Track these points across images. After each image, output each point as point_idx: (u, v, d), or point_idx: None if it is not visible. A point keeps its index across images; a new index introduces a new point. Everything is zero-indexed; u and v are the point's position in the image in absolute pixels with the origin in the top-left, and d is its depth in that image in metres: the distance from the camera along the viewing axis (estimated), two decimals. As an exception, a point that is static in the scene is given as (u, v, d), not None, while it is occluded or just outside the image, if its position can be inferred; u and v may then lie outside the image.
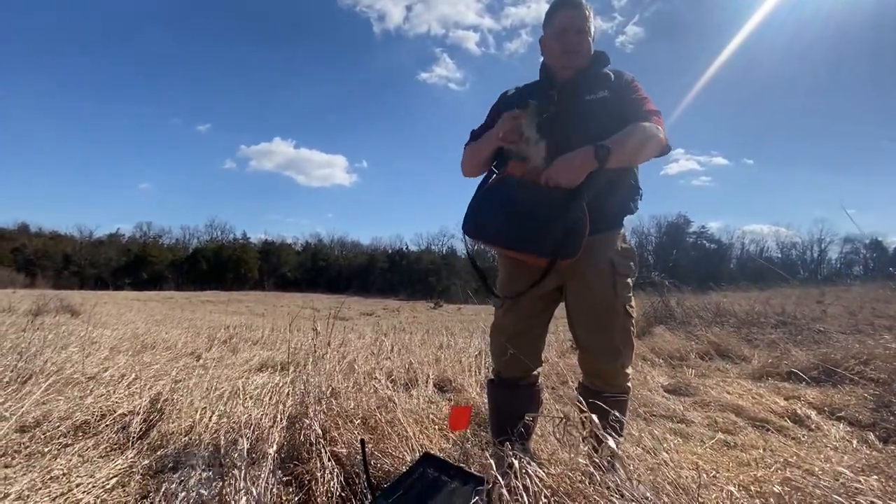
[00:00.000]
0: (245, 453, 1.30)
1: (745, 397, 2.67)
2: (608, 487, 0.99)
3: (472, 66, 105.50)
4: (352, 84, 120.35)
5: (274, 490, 1.22)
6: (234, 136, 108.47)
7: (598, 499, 0.97)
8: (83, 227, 56.32)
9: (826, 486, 1.08)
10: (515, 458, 1.00)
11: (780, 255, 54.93)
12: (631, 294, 1.45)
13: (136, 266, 50.84)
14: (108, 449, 1.69)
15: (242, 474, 1.18)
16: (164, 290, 40.87)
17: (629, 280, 1.45)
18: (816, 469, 1.36)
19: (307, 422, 1.54)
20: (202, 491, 1.07)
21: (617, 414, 1.21)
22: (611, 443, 1.03)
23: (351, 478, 1.38)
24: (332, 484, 1.30)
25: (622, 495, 0.97)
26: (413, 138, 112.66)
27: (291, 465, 1.42)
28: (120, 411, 1.93)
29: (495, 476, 0.97)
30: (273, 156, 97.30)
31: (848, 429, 2.16)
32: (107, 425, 1.84)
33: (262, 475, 1.21)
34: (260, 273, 55.87)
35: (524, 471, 0.98)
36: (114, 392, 2.25)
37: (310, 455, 1.43)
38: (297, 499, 1.28)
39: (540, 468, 1.04)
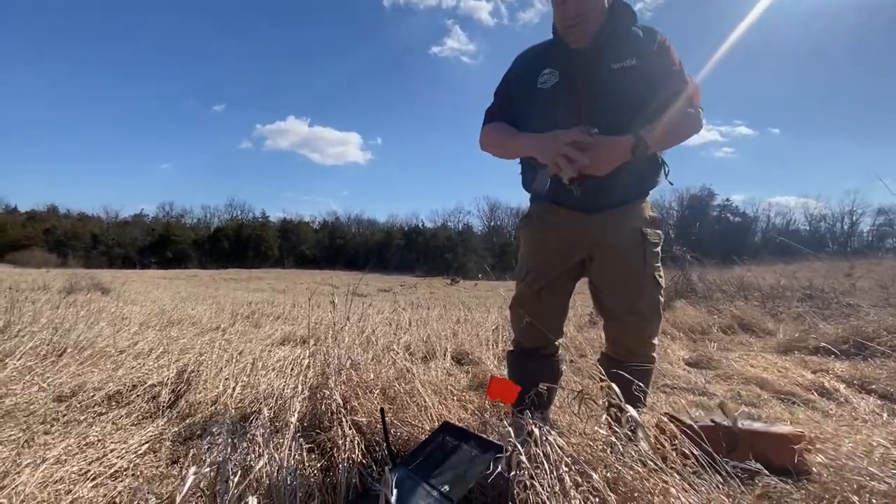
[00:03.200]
0: (268, 422, 1.33)
1: (769, 370, 2.61)
2: (630, 457, 0.98)
3: (485, 38, 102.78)
4: (364, 60, 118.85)
5: (297, 456, 1.25)
6: (249, 116, 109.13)
7: (619, 468, 0.96)
8: (109, 208, 58.19)
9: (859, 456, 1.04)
10: (535, 427, 0.99)
11: (808, 228, 53.11)
12: (659, 264, 1.41)
13: (161, 245, 52.32)
14: (140, 417, 1.75)
15: (266, 441, 1.20)
16: (188, 268, 42.10)
17: (657, 249, 1.41)
18: (847, 442, 1.32)
19: (328, 392, 1.57)
20: (229, 457, 1.10)
21: (641, 384, 1.19)
22: (633, 412, 1.01)
23: (371, 445, 1.40)
24: (353, 451, 1.32)
25: (644, 465, 0.96)
26: (426, 114, 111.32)
27: (313, 434, 1.45)
28: (150, 382, 2.00)
29: (515, 443, 0.97)
30: (288, 134, 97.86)
31: (879, 402, 2.10)
32: (138, 395, 1.91)
33: (285, 442, 1.24)
34: (280, 251, 56.89)
35: (545, 438, 0.97)
36: (144, 364, 2.34)
37: (331, 424, 1.45)
38: (319, 465, 1.31)
39: (560, 437, 1.03)
